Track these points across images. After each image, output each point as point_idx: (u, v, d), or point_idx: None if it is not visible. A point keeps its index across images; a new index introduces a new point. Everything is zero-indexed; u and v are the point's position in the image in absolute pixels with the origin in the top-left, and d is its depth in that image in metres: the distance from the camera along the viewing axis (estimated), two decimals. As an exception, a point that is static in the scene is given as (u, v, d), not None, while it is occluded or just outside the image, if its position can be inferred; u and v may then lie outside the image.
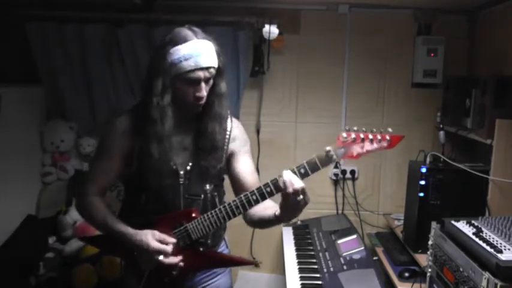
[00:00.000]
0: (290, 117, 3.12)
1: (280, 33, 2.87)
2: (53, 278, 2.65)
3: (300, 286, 2.23)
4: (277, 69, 3.03)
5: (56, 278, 2.65)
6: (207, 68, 1.52)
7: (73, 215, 2.82)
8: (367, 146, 1.41)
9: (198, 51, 1.49)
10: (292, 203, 1.42)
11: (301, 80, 3.08)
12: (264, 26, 2.84)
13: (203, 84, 1.54)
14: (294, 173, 1.43)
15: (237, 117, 2.95)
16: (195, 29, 1.56)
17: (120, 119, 1.64)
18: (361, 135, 1.41)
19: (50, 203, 3.01)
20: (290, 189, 1.38)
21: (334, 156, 1.42)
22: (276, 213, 1.52)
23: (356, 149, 1.41)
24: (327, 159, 1.42)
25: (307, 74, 3.07)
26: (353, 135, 1.41)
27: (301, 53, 3.05)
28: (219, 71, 1.58)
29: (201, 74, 1.51)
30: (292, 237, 2.82)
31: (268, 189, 1.47)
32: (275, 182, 1.46)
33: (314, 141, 3.06)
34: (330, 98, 3.08)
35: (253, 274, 3.17)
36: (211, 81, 1.57)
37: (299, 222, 3.01)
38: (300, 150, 3.11)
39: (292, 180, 1.39)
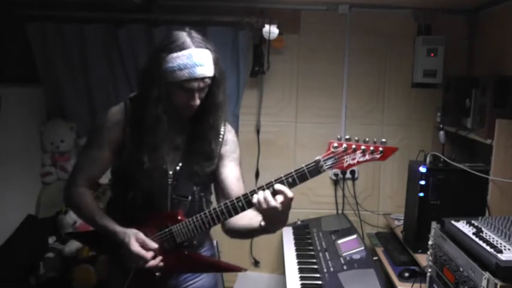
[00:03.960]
0: (290, 117, 3.12)
1: (280, 33, 2.88)
2: (53, 278, 2.65)
3: (300, 286, 2.23)
4: (277, 69, 3.03)
5: (56, 278, 2.65)
6: (202, 79, 1.49)
7: (73, 215, 2.82)
8: (359, 157, 1.37)
9: (193, 62, 1.46)
10: (270, 218, 1.42)
11: (301, 80, 3.08)
12: (264, 26, 2.84)
13: (196, 94, 1.51)
14: (282, 181, 1.39)
15: (237, 117, 3.00)
16: (194, 35, 1.51)
17: (114, 109, 1.62)
18: (353, 146, 1.36)
19: (50, 203, 3.00)
20: (264, 206, 1.37)
21: (324, 167, 1.38)
22: (262, 223, 1.49)
23: (347, 160, 1.37)
24: (315, 170, 1.39)
25: (307, 74, 3.07)
26: (344, 145, 1.36)
27: (301, 53, 3.05)
28: (215, 80, 1.54)
29: (195, 84, 1.49)
30: (292, 237, 2.82)
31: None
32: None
33: (314, 141, 3.06)
34: (329, 98, 3.08)
35: (253, 274, 3.17)
36: (206, 89, 1.55)
37: (299, 222, 3.01)
38: (300, 150, 3.11)
39: (268, 198, 1.37)
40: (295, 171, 1.39)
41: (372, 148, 1.37)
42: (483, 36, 2.84)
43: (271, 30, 2.83)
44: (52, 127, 3.02)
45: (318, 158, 1.38)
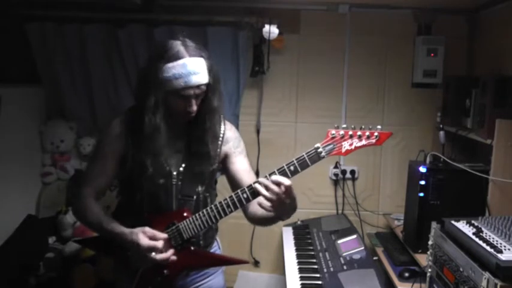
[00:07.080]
0: (290, 117, 3.12)
1: (280, 33, 2.87)
2: (53, 278, 2.65)
3: (300, 286, 2.23)
4: (277, 69, 3.03)
5: (56, 278, 2.65)
6: (198, 86, 1.54)
7: (73, 215, 2.82)
8: (356, 143, 1.45)
9: (188, 71, 1.51)
10: (278, 204, 1.45)
11: (301, 80, 3.08)
12: (264, 26, 2.84)
13: (193, 101, 1.57)
14: (284, 170, 1.46)
15: (237, 117, 2.99)
16: (189, 43, 1.56)
17: (115, 122, 1.67)
18: (350, 132, 1.45)
19: (50, 203, 3.01)
20: (277, 190, 1.43)
21: (323, 153, 1.46)
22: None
23: (344, 146, 1.45)
24: (315, 156, 1.47)
25: (307, 74, 3.07)
26: (341, 132, 1.45)
27: (301, 53, 3.05)
28: (210, 86, 1.59)
29: (191, 92, 1.54)
30: (292, 237, 2.82)
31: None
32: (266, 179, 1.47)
33: (314, 141, 2.99)
34: (329, 98, 3.08)
35: (253, 274, 3.17)
36: (202, 95, 1.60)
37: (299, 222, 3.02)
38: (300, 150, 3.04)
39: (271, 186, 1.43)
40: (296, 159, 1.48)
41: (367, 133, 1.45)
42: (483, 36, 2.84)
43: (271, 30, 2.83)
44: (52, 127, 3.03)
45: (317, 145, 1.47)
